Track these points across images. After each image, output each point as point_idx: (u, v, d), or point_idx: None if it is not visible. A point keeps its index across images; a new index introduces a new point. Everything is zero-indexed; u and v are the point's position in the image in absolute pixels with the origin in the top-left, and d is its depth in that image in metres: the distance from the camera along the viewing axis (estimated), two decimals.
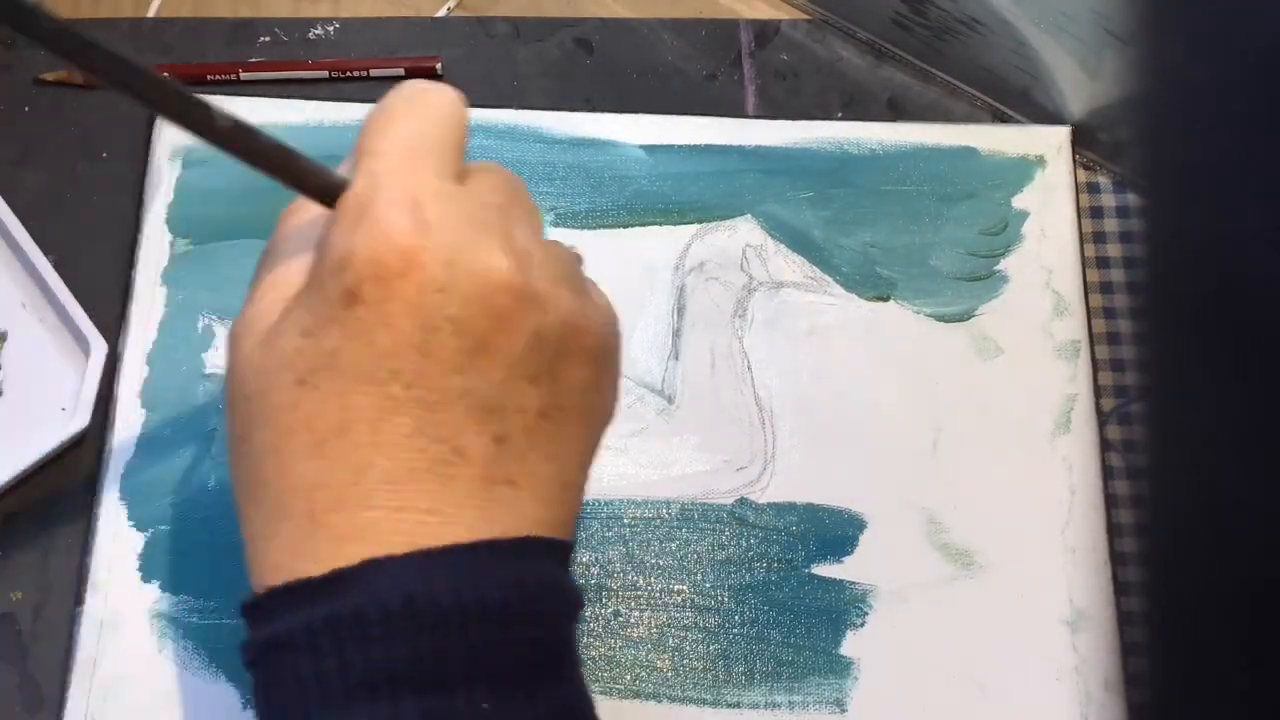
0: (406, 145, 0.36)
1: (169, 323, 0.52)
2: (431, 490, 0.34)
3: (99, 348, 0.49)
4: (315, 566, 0.34)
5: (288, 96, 0.56)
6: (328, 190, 0.36)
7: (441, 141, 0.37)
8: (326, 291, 0.34)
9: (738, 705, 0.48)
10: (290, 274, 0.36)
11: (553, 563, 0.37)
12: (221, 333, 0.52)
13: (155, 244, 0.53)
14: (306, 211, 0.38)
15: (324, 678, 0.33)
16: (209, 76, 0.56)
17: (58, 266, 0.52)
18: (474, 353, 0.35)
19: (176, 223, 0.53)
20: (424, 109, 0.37)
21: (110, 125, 0.55)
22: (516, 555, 0.35)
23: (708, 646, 0.48)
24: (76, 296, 0.50)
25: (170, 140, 0.54)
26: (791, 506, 0.50)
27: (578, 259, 0.40)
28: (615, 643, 0.48)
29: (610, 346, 0.39)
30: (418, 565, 0.33)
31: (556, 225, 0.54)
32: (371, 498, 0.34)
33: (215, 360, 0.51)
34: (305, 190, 0.36)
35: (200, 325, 0.52)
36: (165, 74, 0.39)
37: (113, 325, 0.52)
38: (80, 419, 0.48)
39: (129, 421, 0.50)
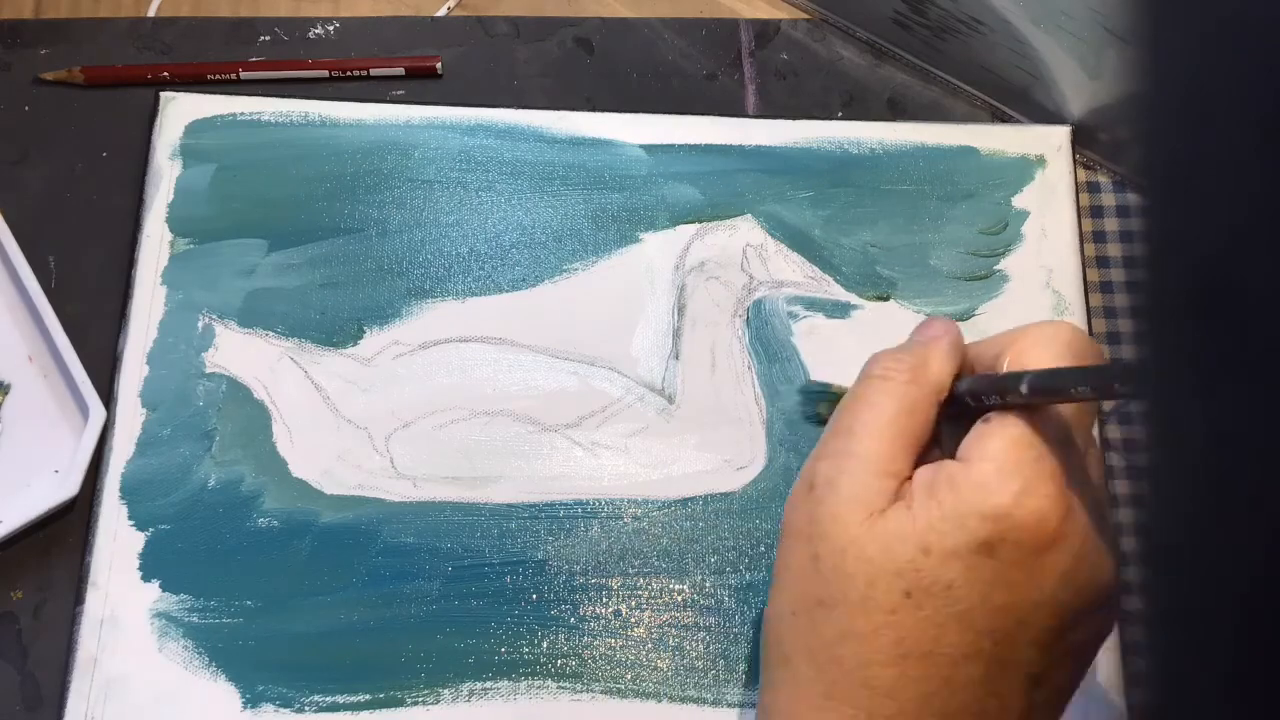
0: (1071, 408, 0.38)
1: (169, 322, 0.52)
2: None
3: (97, 414, 0.49)
4: None
5: (288, 96, 0.56)
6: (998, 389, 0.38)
7: (1084, 413, 0.39)
8: (966, 525, 0.36)
9: (739, 705, 0.48)
10: (900, 459, 0.38)
11: None
12: (221, 332, 0.52)
13: (155, 244, 0.53)
14: (914, 384, 0.39)
15: None
16: (209, 76, 0.56)
17: (58, 267, 0.52)
18: (1055, 638, 0.37)
19: (176, 222, 0.53)
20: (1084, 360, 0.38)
21: (110, 125, 0.55)
22: None
23: (708, 646, 0.48)
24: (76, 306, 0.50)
25: (170, 140, 0.54)
26: None
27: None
28: (616, 642, 0.48)
29: None
30: None
31: (557, 225, 0.54)
32: None
33: (215, 360, 0.51)
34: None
35: (200, 325, 0.52)
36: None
37: (113, 327, 0.52)
38: (70, 486, 0.48)
39: (129, 421, 0.50)
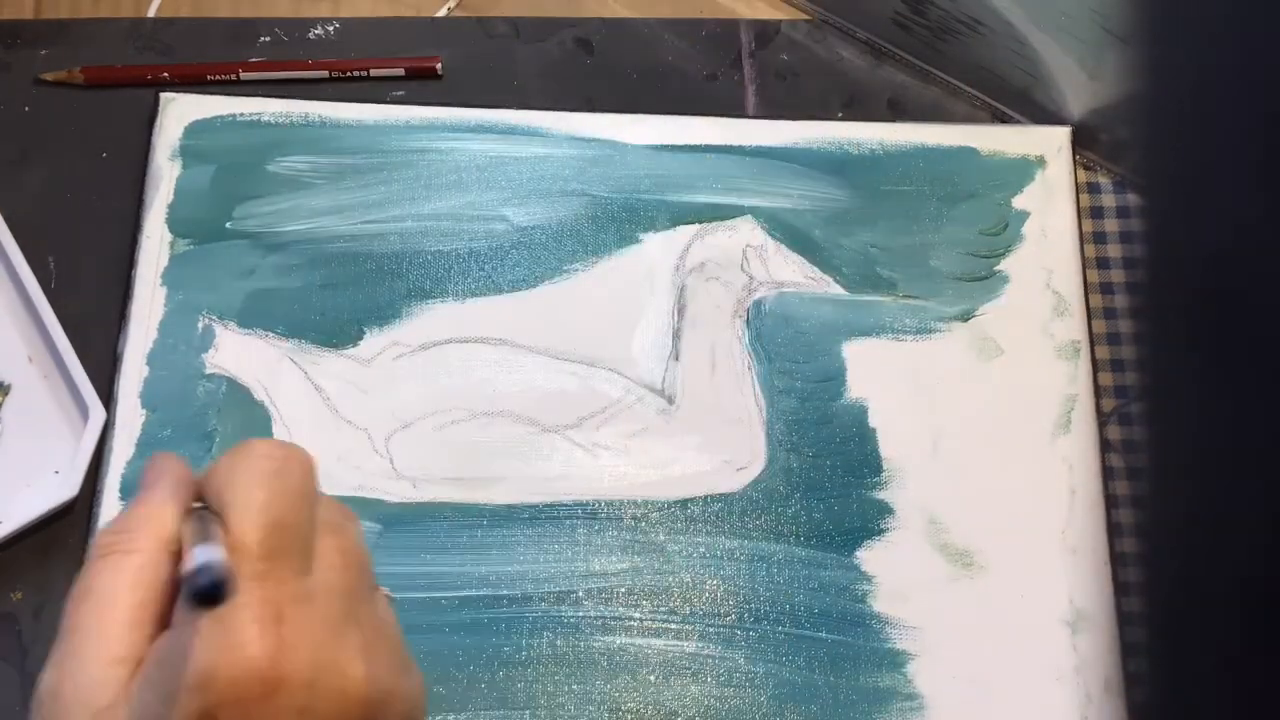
0: (269, 533, 0.34)
1: (169, 323, 0.52)
2: None
3: (97, 415, 0.49)
4: None
5: (288, 97, 0.56)
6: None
7: (302, 524, 0.35)
8: (179, 703, 0.33)
9: (738, 703, 0.48)
10: (127, 640, 0.34)
11: None
12: (221, 333, 0.52)
13: (155, 244, 0.53)
14: (133, 552, 0.35)
15: None
16: (209, 76, 0.56)
17: (58, 267, 0.52)
18: None
19: (176, 223, 0.53)
20: (284, 484, 0.35)
21: (110, 125, 0.55)
22: None
23: (710, 644, 0.48)
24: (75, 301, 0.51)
25: (170, 140, 0.54)
26: (792, 506, 0.50)
27: (395, 616, 0.38)
28: (615, 640, 0.48)
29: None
30: None
31: (557, 226, 0.54)
32: None
33: (215, 360, 0.51)
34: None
35: (200, 325, 0.52)
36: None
37: (113, 327, 0.52)
38: (70, 487, 0.48)
39: (129, 422, 0.50)
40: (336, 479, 0.50)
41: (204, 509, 0.35)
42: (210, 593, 0.32)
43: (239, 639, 0.33)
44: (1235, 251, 0.19)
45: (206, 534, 0.34)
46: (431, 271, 0.53)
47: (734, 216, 0.54)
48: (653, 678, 0.48)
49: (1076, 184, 0.55)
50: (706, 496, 0.50)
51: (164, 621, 0.35)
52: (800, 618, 0.49)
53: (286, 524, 0.35)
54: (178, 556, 0.35)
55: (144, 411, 0.50)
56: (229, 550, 0.33)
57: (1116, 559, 0.49)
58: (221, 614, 0.33)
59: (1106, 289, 0.54)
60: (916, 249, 0.54)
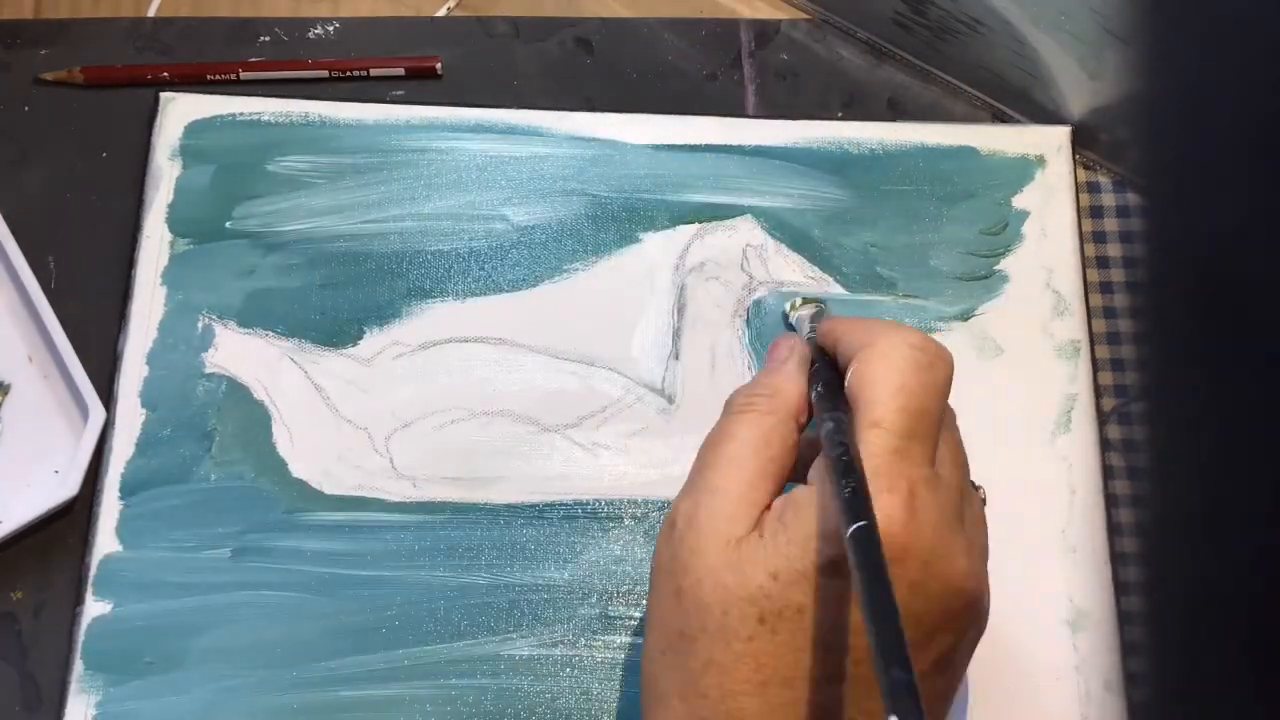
0: (911, 418, 0.38)
1: (169, 323, 0.52)
2: None
3: (97, 414, 0.49)
4: None
5: (288, 96, 0.56)
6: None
7: (938, 417, 0.39)
8: (810, 548, 0.36)
9: None
10: (759, 488, 0.39)
11: None
12: (221, 332, 0.52)
13: (155, 244, 0.53)
14: (770, 413, 0.40)
15: None
16: (209, 76, 0.56)
17: (58, 267, 0.52)
18: (917, 651, 0.36)
19: (176, 223, 0.53)
20: (931, 378, 0.39)
21: (110, 125, 0.55)
22: None
23: None
24: (75, 302, 0.51)
25: (170, 140, 0.54)
26: None
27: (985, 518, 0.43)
28: (616, 640, 0.48)
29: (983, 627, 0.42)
30: None
31: (557, 225, 0.54)
32: None
33: (215, 360, 0.51)
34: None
35: (200, 325, 0.52)
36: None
37: (113, 327, 0.52)
38: (70, 486, 0.48)
39: (129, 421, 0.50)
40: (336, 478, 0.50)
41: (824, 389, 0.40)
42: (845, 460, 0.36)
43: (879, 504, 0.36)
44: (1235, 251, 0.19)
45: (836, 405, 0.39)
46: (431, 271, 0.53)
47: (734, 216, 0.54)
48: None
49: (1076, 184, 0.55)
50: None
51: (785, 480, 0.39)
52: None
53: (927, 412, 0.38)
54: (802, 427, 0.40)
55: (144, 411, 0.50)
56: (869, 426, 0.38)
57: (1116, 558, 0.49)
58: (858, 480, 0.36)
59: (1106, 289, 0.54)
60: (916, 248, 0.54)
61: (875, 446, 0.37)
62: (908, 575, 0.36)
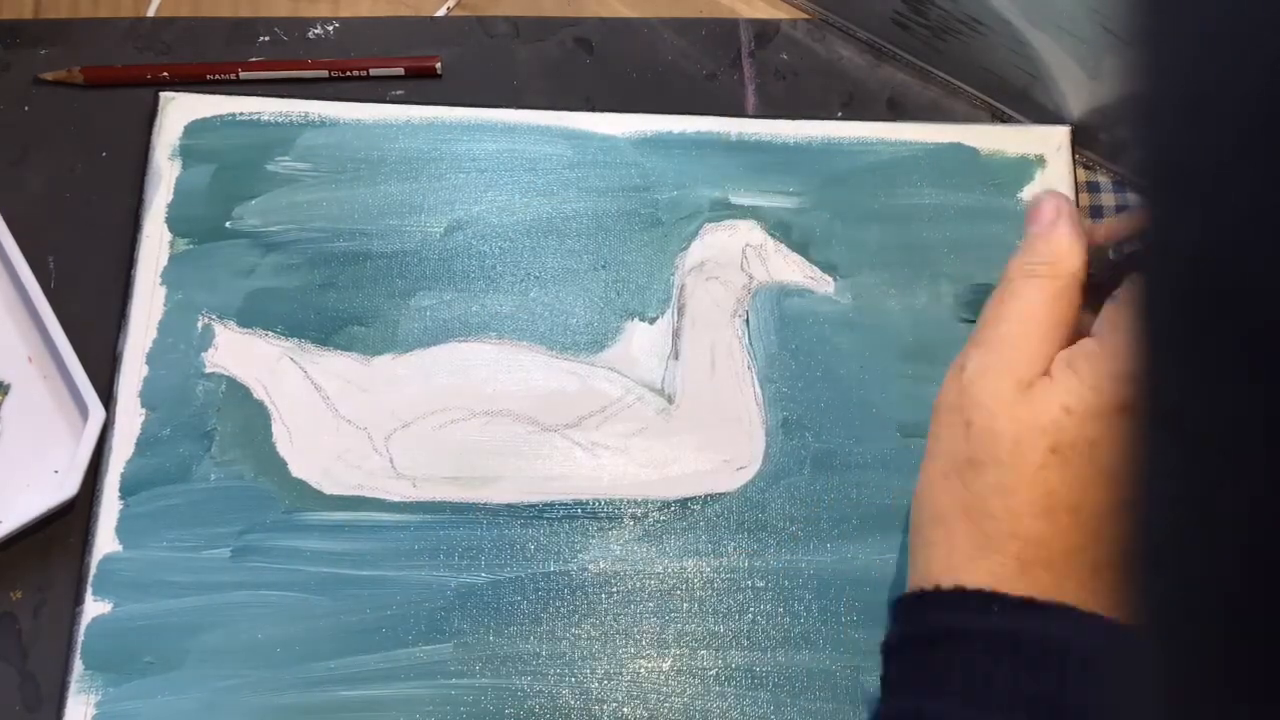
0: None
1: (168, 323, 0.52)
2: (1103, 584, 0.39)
3: (97, 414, 0.49)
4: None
5: (288, 96, 0.56)
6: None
7: None
8: (1104, 388, 0.39)
9: (737, 700, 0.48)
10: (1048, 342, 0.41)
11: None
12: (221, 332, 0.52)
13: (155, 244, 0.53)
14: (1056, 277, 0.42)
15: (986, 679, 0.37)
16: (209, 76, 0.56)
17: (58, 267, 0.52)
18: None
19: (176, 223, 0.53)
20: None
21: (110, 125, 0.55)
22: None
23: (709, 644, 0.48)
24: (76, 303, 0.50)
25: (170, 140, 0.54)
26: (791, 506, 0.50)
27: None
28: (616, 641, 0.48)
29: None
30: (1101, 628, 0.39)
31: (557, 225, 0.54)
32: (1078, 574, 0.39)
33: (214, 360, 0.51)
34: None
35: (199, 325, 0.52)
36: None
37: (113, 327, 0.52)
38: (70, 486, 0.48)
39: (129, 421, 0.50)
40: (336, 478, 0.50)
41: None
42: None
43: None
44: (1234, 251, 0.19)
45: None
46: (431, 270, 0.53)
47: (734, 216, 0.54)
48: (653, 677, 0.48)
49: (1076, 183, 0.55)
50: (706, 496, 0.50)
51: (1069, 338, 0.42)
52: (802, 615, 0.49)
53: None
54: (1083, 285, 0.42)
55: (144, 411, 0.50)
56: None
57: None
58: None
59: None
60: (916, 248, 0.54)
61: None
62: None
